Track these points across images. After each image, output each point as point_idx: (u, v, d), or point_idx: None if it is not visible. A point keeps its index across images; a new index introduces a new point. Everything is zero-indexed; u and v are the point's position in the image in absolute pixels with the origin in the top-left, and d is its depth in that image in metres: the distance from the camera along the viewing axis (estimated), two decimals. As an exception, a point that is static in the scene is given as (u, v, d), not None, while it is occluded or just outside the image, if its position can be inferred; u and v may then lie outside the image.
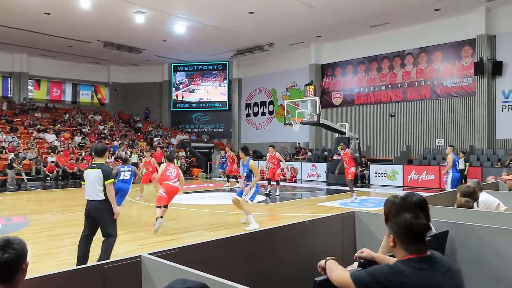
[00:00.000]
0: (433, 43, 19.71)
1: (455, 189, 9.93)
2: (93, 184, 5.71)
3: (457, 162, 11.88)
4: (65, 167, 20.04)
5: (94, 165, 5.88)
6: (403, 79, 20.96)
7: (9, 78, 26.24)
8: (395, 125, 20.67)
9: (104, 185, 5.69)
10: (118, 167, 11.04)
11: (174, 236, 8.30)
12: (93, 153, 5.53)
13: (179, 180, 8.84)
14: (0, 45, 23.42)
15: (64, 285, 2.17)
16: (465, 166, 15.52)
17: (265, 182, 15.21)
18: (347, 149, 14.20)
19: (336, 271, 2.22)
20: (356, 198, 13.15)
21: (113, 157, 22.75)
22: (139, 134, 28.17)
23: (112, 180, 5.86)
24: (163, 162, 9.42)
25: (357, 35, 21.78)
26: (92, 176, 5.73)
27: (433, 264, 2.10)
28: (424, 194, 6.31)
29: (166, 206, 8.80)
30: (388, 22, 19.56)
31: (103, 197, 5.70)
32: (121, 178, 10.29)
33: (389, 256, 2.68)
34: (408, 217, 2.19)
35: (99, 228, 5.91)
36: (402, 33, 20.49)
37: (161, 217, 8.49)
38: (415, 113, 20.43)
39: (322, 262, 2.37)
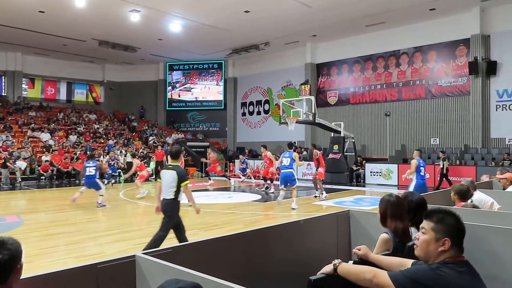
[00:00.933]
0: (428, 43, 19.78)
1: None
2: (167, 184, 6.02)
3: (422, 168, 10.37)
4: (59, 166, 19.95)
5: (170, 166, 6.17)
6: (398, 79, 21.02)
7: (3, 77, 26.10)
8: (390, 124, 20.73)
9: (177, 186, 5.98)
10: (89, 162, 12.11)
11: (168, 235, 8.28)
12: (168, 155, 6.00)
13: None
14: (-6, 43, 23.32)
15: (57, 285, 2.16)
16: (443, 165, 16.08)
17: (261, 181, 16.67)
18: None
19: (378, 271, 2.21)
20: (326, 196, 13.52)
21: (107, 156, 22.68)
22: (134, 133, 28.09)
23: (187, 181, 6.13)
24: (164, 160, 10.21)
25: (352, 35, 21.82)
26: (168, 177, 6.03)
27: (470, 268, 2.10)
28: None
29: None
30: (383, 21, 19.61)
31: (173, 197, 5.99)
32: (87, 173, 11.56)
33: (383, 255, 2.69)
34: (458, 219, 2.20)
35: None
36: (397, 32, 20.55)
37: None
38: (410, 112, 20.50)
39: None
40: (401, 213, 2.95)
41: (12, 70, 26.05)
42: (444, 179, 16.15)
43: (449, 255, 2.12)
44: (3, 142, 21.11)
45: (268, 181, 15.93)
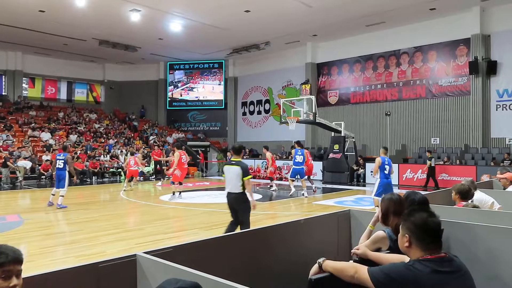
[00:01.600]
0: (428, 42, 19.77)
1: (377, 197, 9.52)
2: (233, 179, 6.41)
3: (386, 167, 9.87)
4: (60, 165, 19.94)
5: (234, 162, 6.53)
6: (399, 78, 21.02)
7: (3, 76, 26.09)
8: (391, 124, 20.72)
9: (242, 180, 6.36)
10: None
11: (169, 234, 8.30)
12: (231, 151, 6.41)
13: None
14: (-6, 43, 23.33)
15: (58, 284, 2.16)
16: (430, 164, 16.47)
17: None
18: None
19: (359, 266, 2.24)
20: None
21: (108, 156, 22.72)
22: (135, 132, 28.10)
23: (250, 176, 6.50)
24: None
25: (353, 34, 21.82)
26: (232, 172, 6.43)
27: (450, 266, 2.09)
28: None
29: (181, 183, 13.38)
30: (383, 21, 19.61)
31: (241, 190, 6.41)
32: (57, 166, 11.71)
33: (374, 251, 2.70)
34: (425, 216, 2.18)
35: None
36: (397, 32, 20.54)
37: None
38: (410, 112, 20.50)
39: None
40: (402, 210, 2.95)
41: (12, 70, 26.04)
42: (430, 178, 16.43)
43: (424, 253, 2.13)
44: (3, 141, 21.13)
45: (268, 180, 16.89)
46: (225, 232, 6.27)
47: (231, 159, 6.66)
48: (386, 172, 9.90)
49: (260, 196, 14.18)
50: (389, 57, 21.39)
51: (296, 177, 14.48)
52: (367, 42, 21.75)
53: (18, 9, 17.91)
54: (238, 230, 6.07)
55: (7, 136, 21.75)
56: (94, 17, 19.15)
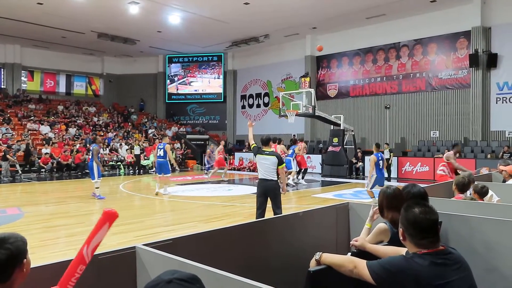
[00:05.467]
0: (429, 35, 19.71)
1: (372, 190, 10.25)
2: (268, 167, 6.96)
3: (380, 162, 10.21)
4: (59, 158, 19.98)
5: (267, 152, 7.11)
6: (398, 71, 20.98)
7: (2, 69, 26.02)
8: (390, 117, 20.71)
9: (277, 168, 6.99)
10: None
11: (168, 227, 8.32)
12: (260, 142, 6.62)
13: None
14: (-8, 35, 23.24)
15: (58, 276, 2.18)
16: (390, 156, 17.34)
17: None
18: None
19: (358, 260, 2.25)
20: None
21: (107, 149, 22.72)
22: (133, 126, 28.08)
23: (284, 164, 7.33)
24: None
25: (352, 27, 21.75)
26: (268, 161, 6.99)
27: (448, 258, 2.09)
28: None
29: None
30: (383, 13, 19.54)
31: (276, 178, 7.01)
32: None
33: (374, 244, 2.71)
34: (416, 212, 2.16)
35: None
36: (397, 24, 20.47)
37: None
38: (410, 105, 20.48)
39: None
40: (397, 204, 2.94)
41: (11, 63, 25.96)
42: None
43: (417, 247, 2.13)
44: (3, 134, 21.11)
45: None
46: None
47: (263, 149, 7.16)
48: (381, 167, 10.39)
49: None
50: (389, 50, 21.33)
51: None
52: (367, 35, 21.68)
53: (17, 2, 17.83)
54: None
55: (6, 129, 21.72)
56: (92, 10, 19.06)
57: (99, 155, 12.11)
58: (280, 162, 7.05)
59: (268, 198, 7.06)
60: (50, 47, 25.93)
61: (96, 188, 11.81)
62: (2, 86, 26.05)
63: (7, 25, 21.12)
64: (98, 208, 10.56)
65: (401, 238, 2.24)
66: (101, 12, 19.38)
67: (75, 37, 23.56)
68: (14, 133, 21.88)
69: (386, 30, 20.91)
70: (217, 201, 11.61)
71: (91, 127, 25.43)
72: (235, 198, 12.34)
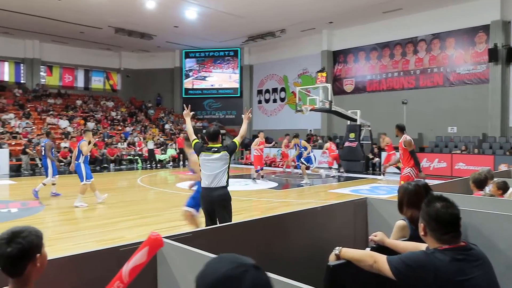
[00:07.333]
0: (447, 29, 19.41)
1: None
2: (215, 170, 5.64)
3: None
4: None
5: (215, 149, 5.61)
6: (416, 66, 20.74)
7: (21, 64, 26.43)
8: (407, 112, 20.45)
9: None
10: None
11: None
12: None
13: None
14: (12, 31, 23.58)
15: (81, 266, 2.24)
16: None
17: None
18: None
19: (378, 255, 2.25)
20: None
21: (125, 143, 22.95)
22: (150, 121, 28.30)
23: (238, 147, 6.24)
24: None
25: (369, 21, 21.55)
26: (215, 161, 5.62)
27: (469, 254, 2.08)
28: (436, 182, 6.31)
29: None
30: (400, 8, 19.30)
31: (226, 184, 5.85)
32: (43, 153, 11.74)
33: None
34: (438, 206, 2.16)
35: None
36: (415, 19, 20.21)
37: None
38: (427, 100, 20.21)
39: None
40: (417, 201, 2.93)
41: (30, 58, 26.35)
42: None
43: (438, 243, 2.12)
44: (23, 128, 21.47)
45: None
46: None
47: (209, 145, 5.57)
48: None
49: (276, 184, 14.24)
50: (406, 44, 21.09)
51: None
52: (383, 29, 21.45)
53: (36, -2, 18.07)
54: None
55: (26, 123, 22.10)
56: (110, 5, 19.22)
57: (52, 150, 11.65)
58: (234, 150, 5.55)
59: (215, 211, 5.50)
60: (68, 42, 26.25)
61: (53, 185, 11.47)
62: (22, 81, 26.47)
63: (27, 21, 21.43)
64: (115, 202, 10.68)
65: (421, 233, 2.23)
66: (118, 7, 19.54)
67: (92, 32, 23.81)
68: (34, 127, 22.24)
69: (403, 25, 20.66)
70: (234, 195, 11.64)
71: (109, 122, 25.71)
72: (252, 192, 12.37)
